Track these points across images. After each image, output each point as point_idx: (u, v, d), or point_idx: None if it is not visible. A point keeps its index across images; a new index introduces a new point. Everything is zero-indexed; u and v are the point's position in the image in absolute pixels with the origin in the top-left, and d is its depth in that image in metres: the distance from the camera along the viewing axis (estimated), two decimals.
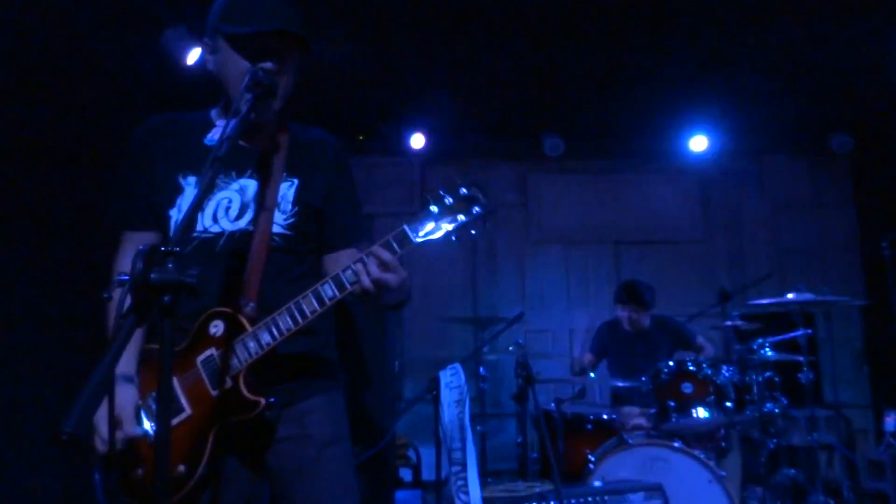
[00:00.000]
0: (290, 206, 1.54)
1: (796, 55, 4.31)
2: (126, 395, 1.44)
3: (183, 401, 1.44)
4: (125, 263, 1.58)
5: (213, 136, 1.55)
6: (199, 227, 1.51)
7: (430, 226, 1.39)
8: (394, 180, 5.45)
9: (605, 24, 3.99)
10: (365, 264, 1.37)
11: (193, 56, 3.42)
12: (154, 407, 1.46)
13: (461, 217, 1.39)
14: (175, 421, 1.43)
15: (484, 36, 4.11)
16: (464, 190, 1.40)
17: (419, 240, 1.38)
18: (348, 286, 1.39)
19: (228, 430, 1.43)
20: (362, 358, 3.35)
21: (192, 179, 1.53)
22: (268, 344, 1.40)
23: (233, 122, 1.30)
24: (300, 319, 1.40)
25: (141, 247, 0.92)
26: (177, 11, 3.32)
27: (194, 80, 3.54)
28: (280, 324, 1.40)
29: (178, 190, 1.53)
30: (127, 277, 0.89)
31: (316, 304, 1.40)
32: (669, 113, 5.13)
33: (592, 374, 3.72)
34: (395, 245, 1.39)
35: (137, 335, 1.51)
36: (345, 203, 1.64)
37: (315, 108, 1.55)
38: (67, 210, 2.76)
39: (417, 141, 5.28)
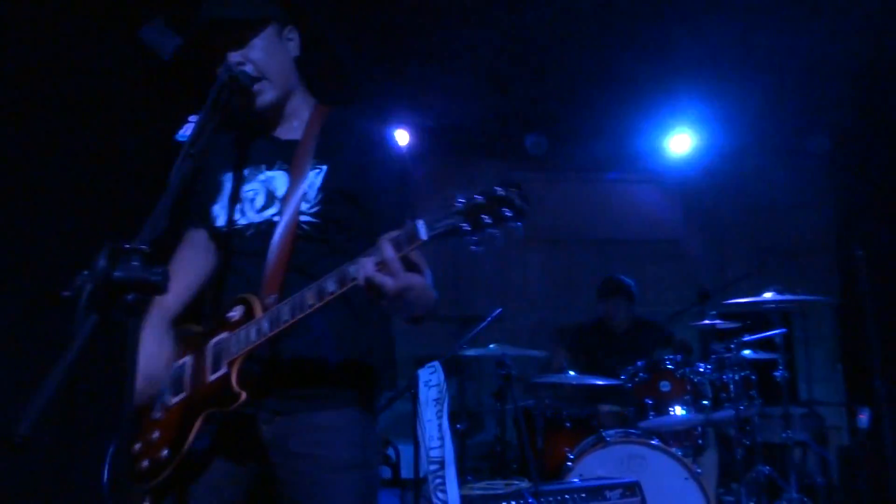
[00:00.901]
0: (315, 193, 1.49)
1: (775, 57, 4.37)
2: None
3: (186, 381, 1.43)
4: (179, 258, 1.62)
5: (185, 131, 1.55)
6: (223, 221, 1.52)
7: (447, 222, 1.17)
8: None
9: (589, 26, 4.01)
10: (365, 261, 1.22)
11: (172, 49, 3.37)
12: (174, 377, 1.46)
13: (486, 219, 1.16)
14: (175, 400, 1.42)
15: (469, 34, 4.11)
16: (499, 190, 1.16)
17: (429, 236, 1.18)
18: (349, 281, 1.25)
19: (217, 421, 1.38)
20: None
21: (228, 175, 1.56)
22: (266, 333, 1.34)
23: (205, 118, 1.29)
24: (298, 311, 1.31)
25: (106, 243, 0.90)
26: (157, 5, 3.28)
27: (175, 74, 3.50)
28: (280, 314, 1.33)
29: (220, 187, 1.56)
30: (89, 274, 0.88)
31: (315, 298, 1.29)
32: (651, 114, 5.16)
33: (572, 372, 3.73)
34: (403, 241, 1.20)
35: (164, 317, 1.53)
36: (382, 182, 1.50)
37: None
38: (34, 208, 2.71)
39: (401, 137, 5.27)
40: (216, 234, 1.58)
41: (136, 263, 0.87)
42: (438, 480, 2.67)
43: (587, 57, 4.37)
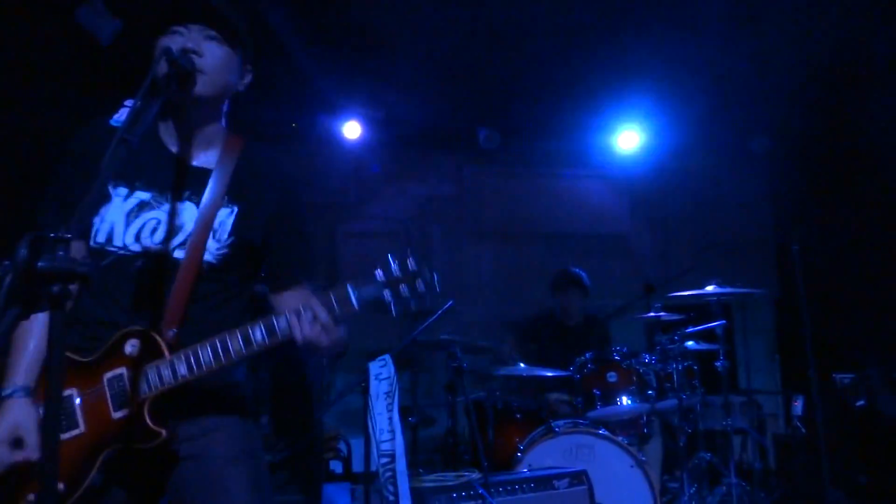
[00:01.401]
0: (225, 236, 1.46)
1: (721, 60, 4.51)
2: (26, 410, 1.33)
3: (79, 416, 1.35)
4: None
5: (120, 116, 1.47)
6: (117, 243, 1.43)
7: (372, 292, 1.37)
8: (328, 170, 5.36)
9: (542, 23, 4.05)
10: (299, 319, 1.34)
11: (111, 33, 3.24)
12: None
13: (404, 290, 1.37)
14: (65, 436, 1.34)
15: (422, 27, 4.09)
16: (412, 265, 1.38)
17: (359, 304, 1.36)
18: (279, 336, 1.36)
19: (120, 456, 1.35)
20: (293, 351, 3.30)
21: (122, 191, 1.45)
22: (183, 377, 1.34)
23: (141, 102, 1.23)
24: (223, 359, 1.34)
25: (28, 232, 0.85)
26: None
27: (112, 59, 3.37)
28: (201, 357, 1.34)
29: (106, 198, 1.44)
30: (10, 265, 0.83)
31: (242, 346, 1.35)
32: (600, 112, 5.26)
33: (522, 364, 3.78)
34: (335, 304, 1.36)
35: (42, 342, 1.39)
36: (291, 238, 1.56)
37: (247, 93, 1.48)
38: None
39: (353, 130, 5.21)
40: (89, 250, 1.46)
41: (61, 253, 0.83)
42: (389, 474, 2.66)
43: (540, 54, 4.42)
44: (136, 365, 1.35)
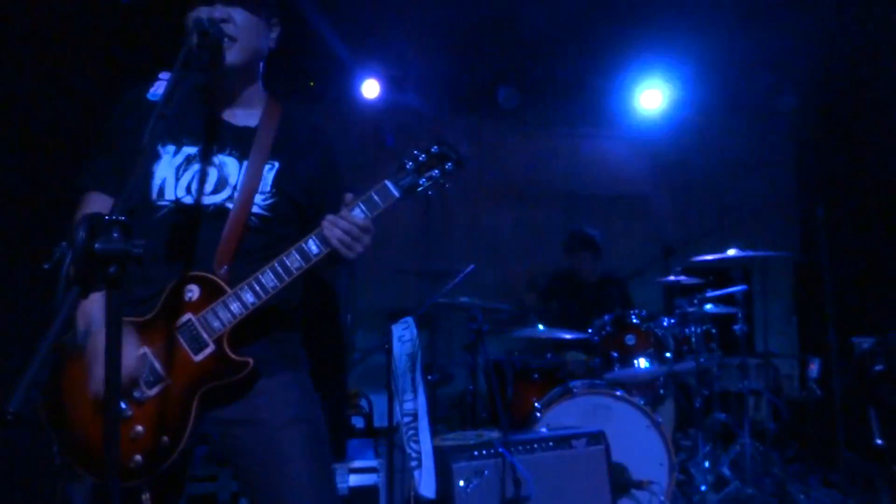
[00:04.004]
0: (268, 188, 1.51)
1: (746, 18, 4.37)
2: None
3: (160, 370, 1.39)
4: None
5: (157, 90, 1.49)
6: (170, 196, 1.47)
7: (409, 180, 1.49)
8: (346, 129, 5.33)
9: None
10: (334, 224, 1.41)
11: None
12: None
13: (435, 172, 1.50)
14: (153, 392, 1.39)
15: None
16: (435, 148, 1.51)
17: (401, 192, 1.47)
18: (327, 244, 1.42)
19: (210, 395, 1.41)
20: (315, 310, 3.36)
21: (170, 148, 1.49)
22: (252, 304, 1.39)
23: (177, 76, 1.25)
24: (285, 277, 1.40)
25: (84, 213, 0.88)
26: None
27: (134, 17, 3.34)
28: (265, 282, 1.39)
29: (156, 157, 1.48)
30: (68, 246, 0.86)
31: (301, 261, 1.41)
32: (623, 70, 5.14)
33: (541, 326, 3.82)
34: (377, 200, 1.44)
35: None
36: (332, 195, 1.60)
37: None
38: (8, 175, 2.59)
39: (371, 89, 5.15)
40: (143, 206, 1.49)
41: (116, 235, 0.86)
42: (412, 432, 2.74)
43: (561, 11, 4.30)
44: (202, 307, 1.40)
